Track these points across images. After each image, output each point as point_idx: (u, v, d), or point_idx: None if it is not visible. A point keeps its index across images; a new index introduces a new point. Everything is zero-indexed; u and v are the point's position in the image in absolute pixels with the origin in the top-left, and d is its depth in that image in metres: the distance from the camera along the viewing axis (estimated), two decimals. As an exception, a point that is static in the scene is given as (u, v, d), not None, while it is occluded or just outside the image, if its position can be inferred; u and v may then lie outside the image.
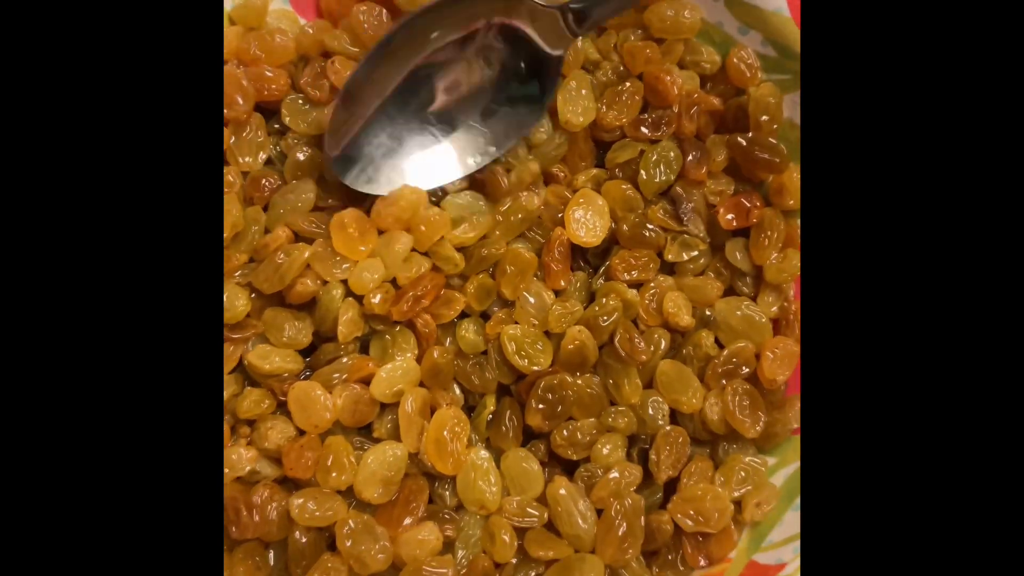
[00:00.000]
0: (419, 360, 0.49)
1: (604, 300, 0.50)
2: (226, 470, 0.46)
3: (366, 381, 0.48)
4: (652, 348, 0.50)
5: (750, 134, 0.51)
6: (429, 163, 0.50)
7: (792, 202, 0.52)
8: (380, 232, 0.49)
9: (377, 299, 0.48)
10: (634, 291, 0.50)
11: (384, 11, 0.51)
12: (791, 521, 0.49)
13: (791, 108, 0.52)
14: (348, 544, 0.45)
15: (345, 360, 0.48)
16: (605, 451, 0.49)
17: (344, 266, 0.48)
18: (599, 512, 0.48)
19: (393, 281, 0.49)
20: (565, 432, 0.49)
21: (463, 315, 0.50)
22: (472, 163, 0.50)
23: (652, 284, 0.51)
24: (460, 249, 0.49)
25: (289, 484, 0.48)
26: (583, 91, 0.51)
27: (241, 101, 0.50)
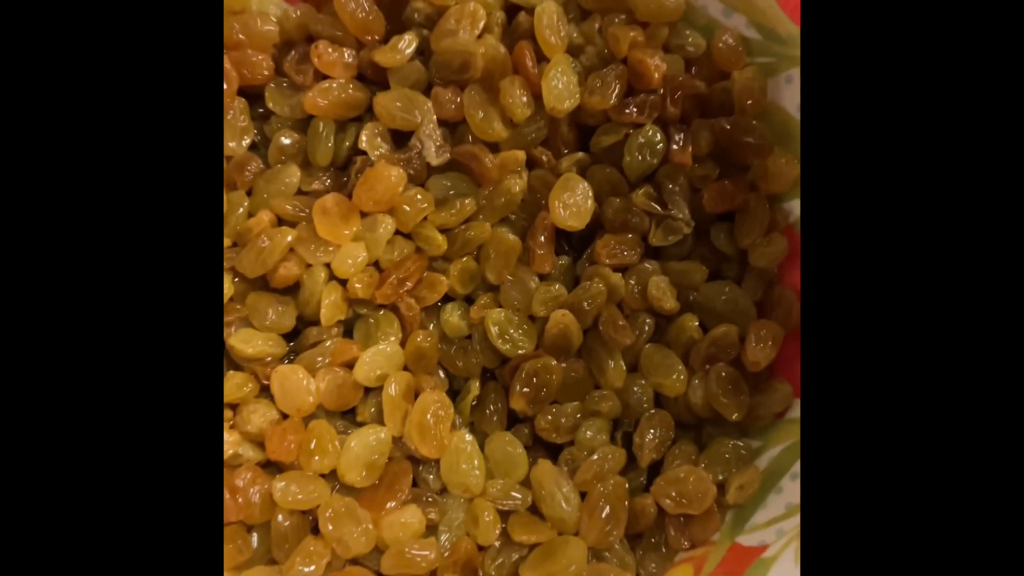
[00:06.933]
0: (403, 344, 0.49)
1: (588, 284, 0.50)
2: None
3: (350, 365, 0.48)
4: (636, 332, 0.50)
5: (735, 118, 0.51)
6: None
7: (777, 186, 0.51)
8: (363, 215, 0.49)
9: (360, 283, 0.48)
10: (618, 275, 0.50)
11: (369, -5, 0.51)
12: (774, 503, 0.48)
13: (776, 91, 0.52)
14: (331, 528, 0.45)
15: (328, 344, 0.49)
16: (589, 435, 0.49)
17: (328, 249, 0.48)
18: (583, 495, 0.48)
19: (377, 264, 0.49)
20: (549, 416, 0.49)
21: (447, 299, 0.50)
22: None
23: (636, 268, 0.51)
24: (444, 231, 0.49)
25: (272, 467, 0.48)
26: (567, 76, 0.50)
27: (225, 85, 0.49)
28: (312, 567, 0.45)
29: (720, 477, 0.49)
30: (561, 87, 0.50)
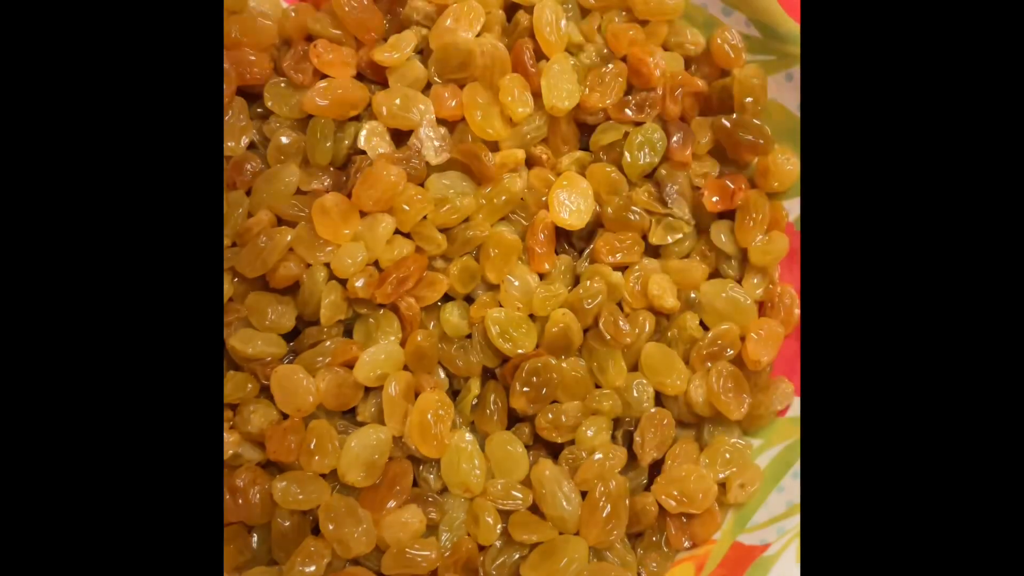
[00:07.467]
0: (403, 343, 0.49)
1: (588, 283, 0.49)
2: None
3: (350, 365, 0.48)
4: (637, 331, 0.50)
5: (735, 116, 0.51)
6: None
7: (777, 184, 0.51)
8: (363, 214, 0.49)
9: (360, 283, 0.48)
10: (619, 274, 0.50)
11: (368, -6, 0.51)
12: (775, 502, 0.49)
13: (776, 89, 0.52)
14: (331, 528, 0.45)
15: (328, 344, 0.48)
16: (590, 434, 0.49)
17: (327, 249, 0.48)
18: (583, 494, 0.47)
19: (376, 264, 0.49)
20: (550, 415, 0.48)
21: (447, 298, 0.50)
22: None
23: (637, 267, 0.51)
24: (443, 231, 0.49)
25: (272, 468, 0.48)
26: (566, 74, 0.50)
27: (223, 85, 0.49)
28: (312, 567, 0.45)
29: (721, 476, 0.49)
30: (560, 85, 0.50)
